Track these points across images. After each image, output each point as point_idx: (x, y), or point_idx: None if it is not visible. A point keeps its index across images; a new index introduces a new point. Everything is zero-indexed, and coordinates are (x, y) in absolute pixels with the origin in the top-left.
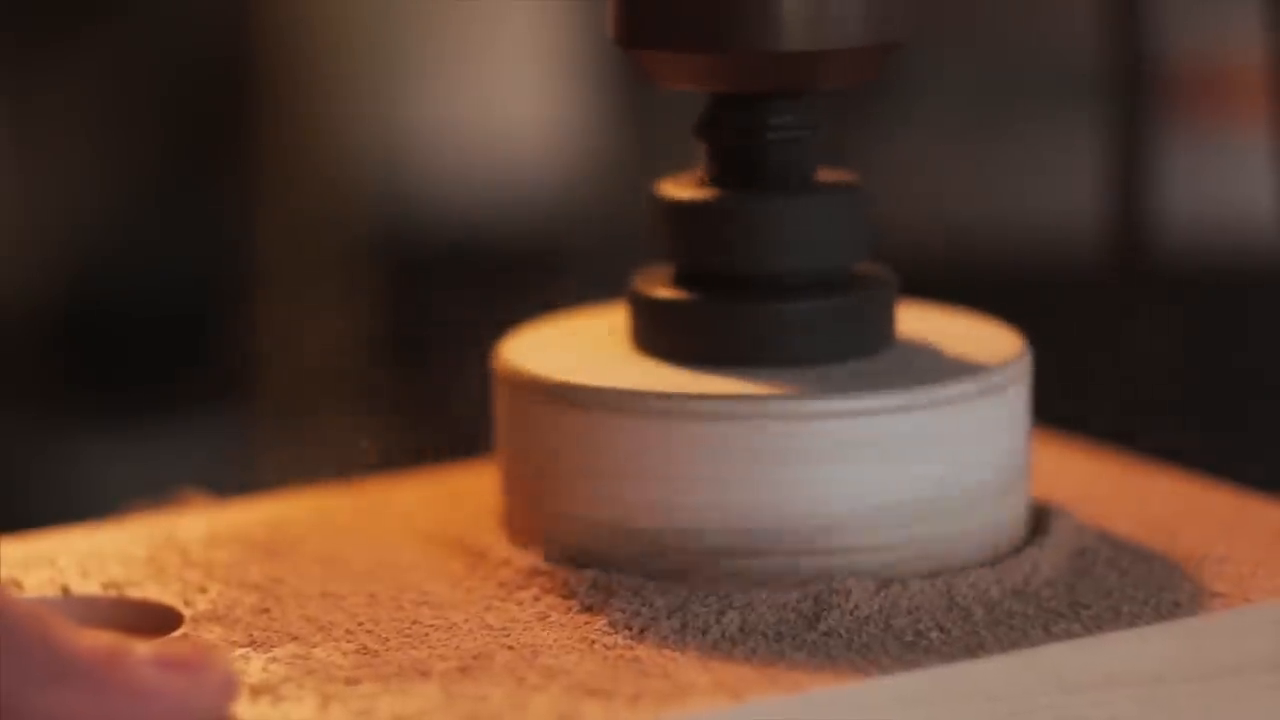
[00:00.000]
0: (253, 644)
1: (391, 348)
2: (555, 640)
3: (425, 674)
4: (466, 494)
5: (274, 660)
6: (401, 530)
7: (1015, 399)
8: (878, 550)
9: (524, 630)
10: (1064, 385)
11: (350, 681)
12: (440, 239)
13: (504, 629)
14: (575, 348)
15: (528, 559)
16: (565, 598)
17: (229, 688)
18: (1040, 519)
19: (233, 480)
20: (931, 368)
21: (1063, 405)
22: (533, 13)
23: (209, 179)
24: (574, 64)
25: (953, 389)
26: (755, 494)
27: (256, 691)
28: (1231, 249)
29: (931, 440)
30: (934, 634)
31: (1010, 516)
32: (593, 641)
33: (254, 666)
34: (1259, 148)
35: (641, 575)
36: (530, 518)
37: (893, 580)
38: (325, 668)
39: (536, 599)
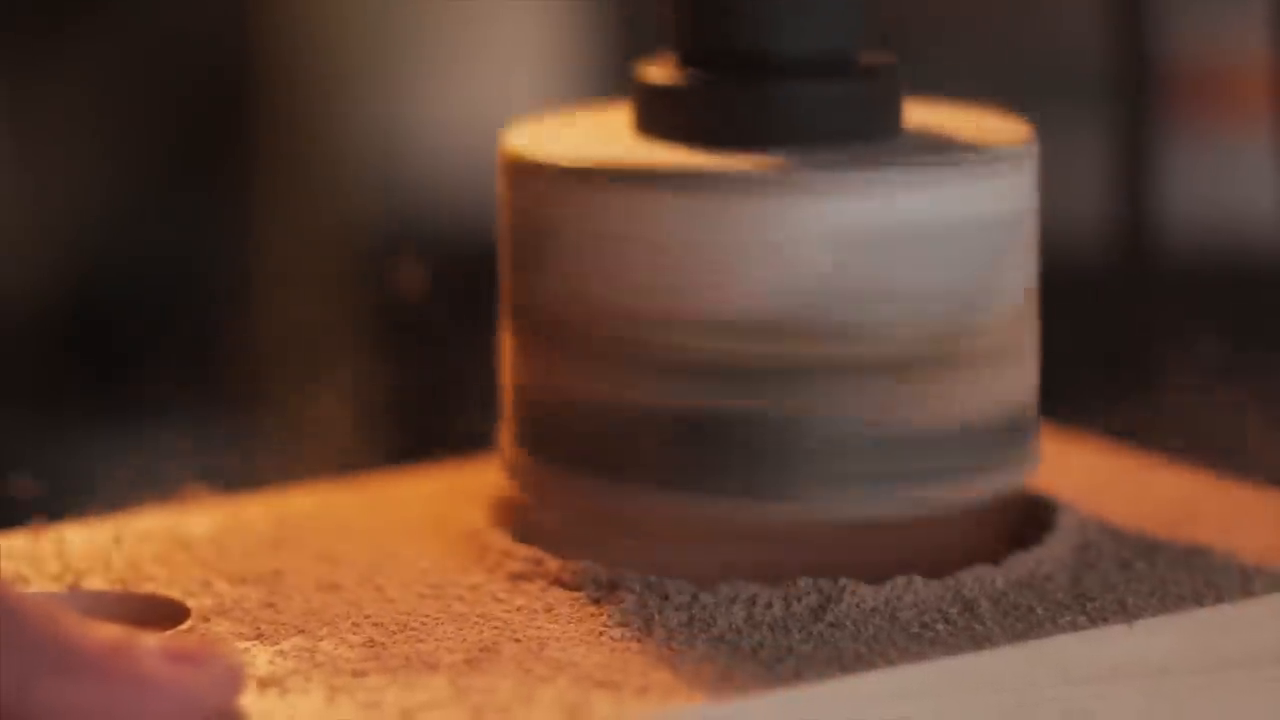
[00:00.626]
0: (259, 637)
1: (392, 347)
2: (562, 633)
3: (432, 666)
4: (470, 488)
5: (281, 653)
6: (406, 524)
7: (1023, 180)
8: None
9: (530, 623)
10: (1068, 382)
11: (357, 674)
12: (440, 238)
13: (510, 622)
14: (577, 134)
15: (533, 552)
16: (571, 590)
17: (236, 680)
18: (1045, 513)
19: (233, 480)
20: (938, 148)
21: (1066, 402)
22: (532, 13)
23: (209, 179)
24: (574, 64)
25: (959, 165)
26: (758, 268)
27: (264, 684)
28: (1234, 248)
29: (939, 220)
30: (940, 626)
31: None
32: (600, 634)
33: (261, 659)
34: (1262, 147)
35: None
36: (528, 328)
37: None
38: (332, 660)
39: (542, 591)
